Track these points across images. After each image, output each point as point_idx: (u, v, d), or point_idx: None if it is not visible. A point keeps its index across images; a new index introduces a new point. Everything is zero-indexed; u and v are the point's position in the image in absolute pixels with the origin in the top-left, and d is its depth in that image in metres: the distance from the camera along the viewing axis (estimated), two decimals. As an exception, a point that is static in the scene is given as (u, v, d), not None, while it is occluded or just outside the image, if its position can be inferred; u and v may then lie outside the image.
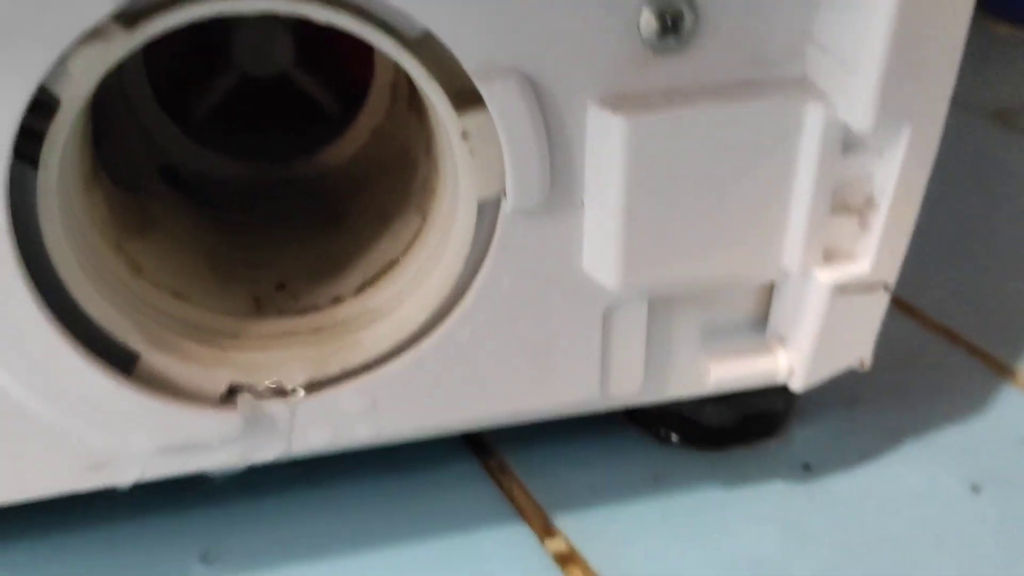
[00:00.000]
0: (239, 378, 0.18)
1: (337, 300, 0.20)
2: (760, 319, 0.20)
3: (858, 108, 0.16)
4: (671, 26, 0.16)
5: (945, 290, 0.29)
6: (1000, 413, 0.25)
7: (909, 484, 0.23)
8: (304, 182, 0.24)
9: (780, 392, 0.21)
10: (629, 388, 0.20)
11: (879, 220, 0.18)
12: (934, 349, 0.27)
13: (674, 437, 0.23)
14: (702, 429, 0.23)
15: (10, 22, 0.14)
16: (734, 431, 0.23)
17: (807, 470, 0.23)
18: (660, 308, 0.19)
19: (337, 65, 0.23)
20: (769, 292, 0.20)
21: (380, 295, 0.19)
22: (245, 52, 0.23)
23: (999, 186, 0.34)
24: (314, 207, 0.22)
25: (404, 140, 0.22)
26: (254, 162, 0.24)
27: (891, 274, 0.19)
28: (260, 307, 0.19)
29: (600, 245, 0.18)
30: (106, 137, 0.20)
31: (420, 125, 0.20)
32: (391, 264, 0.19)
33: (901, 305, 0.28)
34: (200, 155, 0.23)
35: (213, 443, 0.18)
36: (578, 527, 0.22)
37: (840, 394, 0.24)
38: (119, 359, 0.17)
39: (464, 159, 0.16)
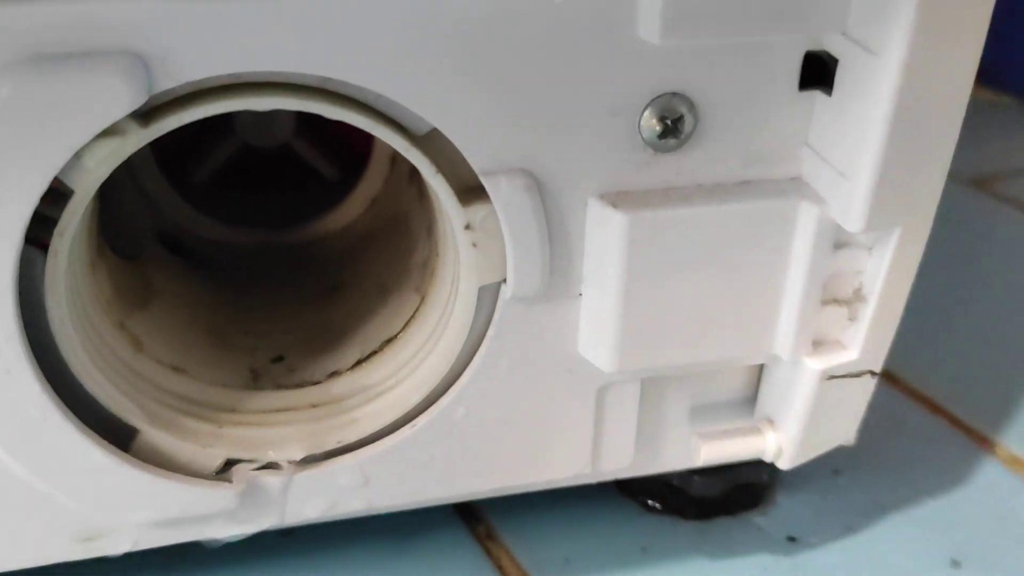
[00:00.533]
0: (235, 454, 0.18)
1: (334, 375, 0.20)
2: (749, 398, 0.21)
3: (851, 212, 0.16)
4: (671, 128, 0.16)
5: (927, 359, 0.29)
6: (980, 487, 0.25)
7: (891, 559, 0.23)
8: (302, 248, 0.24)
9: (767, 464, 0.21)
10: (620, 463, 0.20)
11: (868, 312, 0.18)
12: (916, 419, 0.27)
13: (660, 507, 0.23)
14: (689, 499, 0.23)
15: (30, 119, 0.14)
16: (721, 502, 0.23)
17: (792, 542, 0.24)
18: (652, 387, 0.20)
19: (337, 134, 0.24)
20: (758, 371, 0.20)
21: (377, 371, 0.19)
22: (247, 125, 0.23)
23: (980, 254, 0.35)
24: (312, 275, 0.23)
25: (403, 211, 0.22)
26: (252, 228, 0.24)
27: (878, 362, 0.19)
28: (257, 380, 0.20)
29: (596, 330, 0.18)
30: (108, 204, 0.20)
31: (421, 203, 0.20)
32: (389, 340, 0.20)
33: (883, 373, 0.28)
34: (199, 221, 0.23)
35: (208, 516, 0.18)
36: (566, 598, 0.22)
37: (823, 464, 0.25)
38: (118, 435, 0.17)
39: (467, 249, 0.17)
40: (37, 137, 0.14)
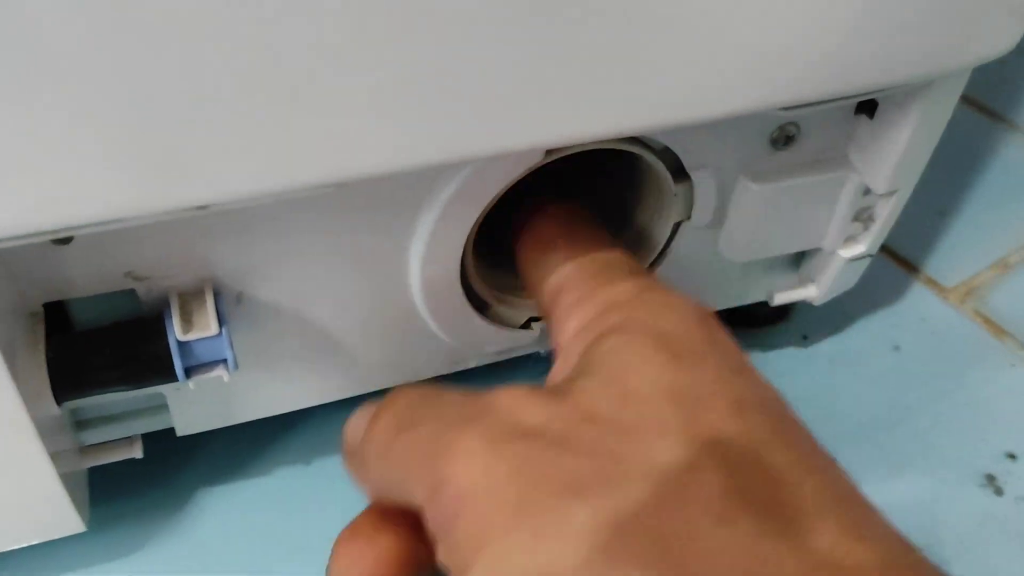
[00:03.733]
0: (533, 315, 0.33)
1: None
2: (793, 265, 0.36)
3: (876, 182, 0.31)
4: (788, 137, 0.31)
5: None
6: (910, 300, 0.42)
7: (858, 346, 0.40)
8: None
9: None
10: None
11: (874, 227, 0.34)
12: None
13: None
14: (752, 316, 0.39)
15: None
16: (768, 316, 0.39)
17: (805, 339, 0.40)
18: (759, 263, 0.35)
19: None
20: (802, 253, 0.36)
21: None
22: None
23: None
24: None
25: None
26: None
27: (875, 249, 0.35)
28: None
29: (736, 236, 0.33)
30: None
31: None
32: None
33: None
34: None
35: (520, 347, 0.33)
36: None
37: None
38: (480, 307, 0.32)
39: (673, 204, 0.31)
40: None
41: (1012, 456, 0.36)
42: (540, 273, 0.28)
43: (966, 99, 0.52)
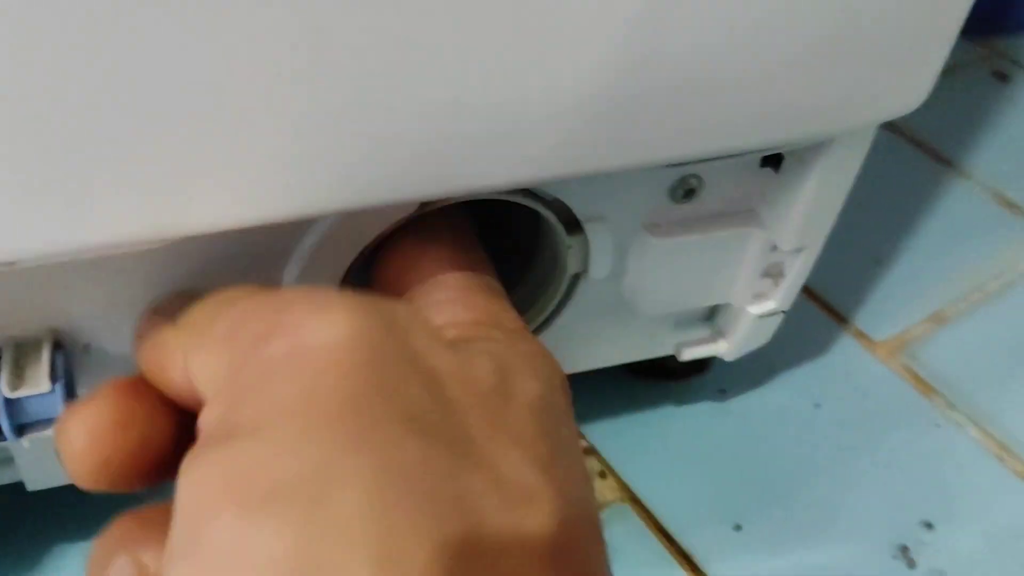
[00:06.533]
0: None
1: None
2: (706, 318, 0.35)
3: (783, 238, 0.30)
4: (688, 191, 0.29)
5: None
6: (836, 353, 0.40)
7: (778, 401, 0.38)
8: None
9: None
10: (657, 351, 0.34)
11: (785, 282, 0.32)
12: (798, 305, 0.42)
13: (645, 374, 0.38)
14: (667, 368, 0.37)
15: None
16: (684, 369, 0.38)
17: (722, 392, 0.38)
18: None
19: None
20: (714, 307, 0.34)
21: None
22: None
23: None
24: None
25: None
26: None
27: (786, 305, 0.33)
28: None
29: (637, 290, 0.31)
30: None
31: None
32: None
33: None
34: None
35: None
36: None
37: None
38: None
39: (569, 256, 0.29)
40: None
41: (928, 525, 0.34)
42: (401, 274, 0.25)
43: (914, 141, 0.51)
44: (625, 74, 0.22)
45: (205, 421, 0.17)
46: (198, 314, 0.20)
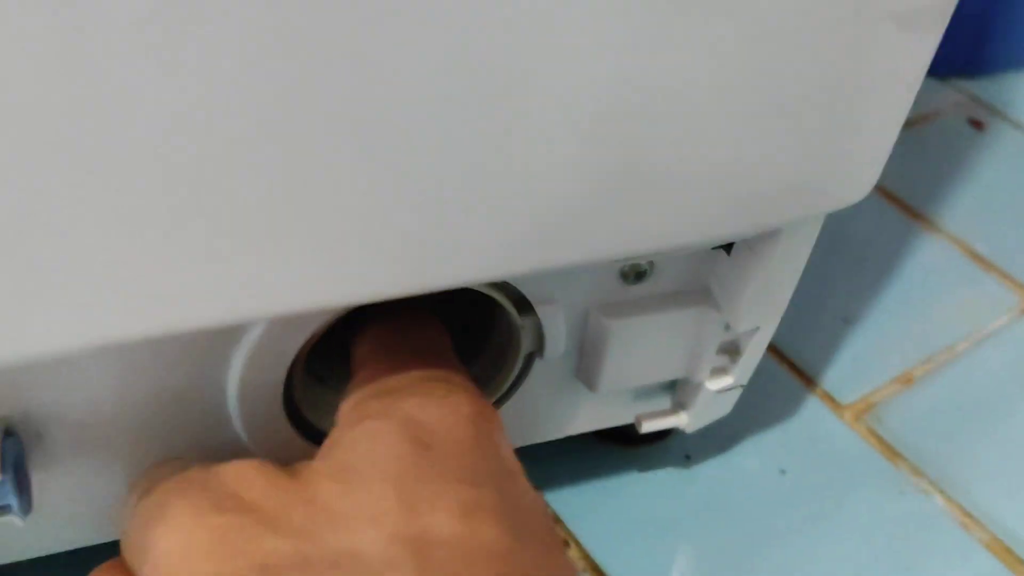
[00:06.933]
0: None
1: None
2: (667, 388, 0.35)
3: (735, 320, 0.30)
4: (639, 273, 0.29)
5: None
6: (802, 417, 0.41)
7: (743, 467, 0.38)
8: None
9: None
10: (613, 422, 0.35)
11: (741, 357, 0.32)
12: (765, 366, 0.42)
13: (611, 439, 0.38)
14: (630, 435, 0.37)
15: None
16: (647, 435, 0.38)
17: (687, 458, 0.38)
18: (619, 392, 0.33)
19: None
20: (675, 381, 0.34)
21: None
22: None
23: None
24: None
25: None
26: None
27: (745, 380, 0.33)
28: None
29: (592, 369, 0.31)
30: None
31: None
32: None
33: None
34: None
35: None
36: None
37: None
38: (313, 435, 0.30)
39: (523, 336, 0.29)
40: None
41: (891, 596, 0.34)
42: (358, 362, 0.26)
43: (886, 194, 0.51)
44: (585, 176, 0.22)
45: None
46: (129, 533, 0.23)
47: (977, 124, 0.59)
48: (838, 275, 0.43)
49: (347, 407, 0.24)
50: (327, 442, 0.24)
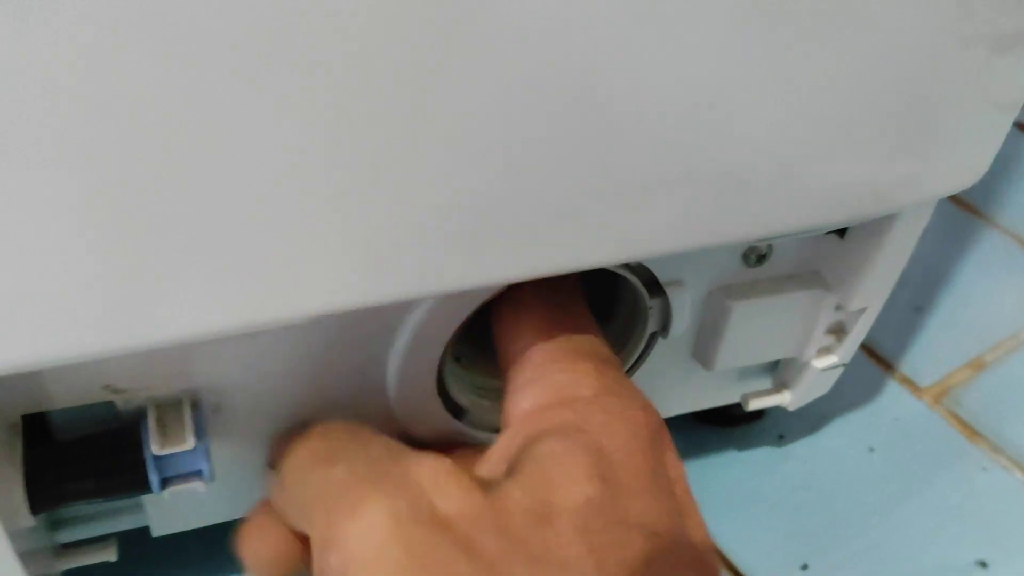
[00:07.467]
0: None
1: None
2: (769, 369, 0.37)
3: (847, 300, 0.32)
4: (760, 256, 0.31)
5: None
6: (885, 399, 0.43)
7: (833, 446, 0.40)
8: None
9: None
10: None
11: (846, 339, 0.34)
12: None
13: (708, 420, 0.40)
14: (728, 416, 0.39)
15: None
16: (744, 416, 0.40)
17: (781, 438, 0.41)
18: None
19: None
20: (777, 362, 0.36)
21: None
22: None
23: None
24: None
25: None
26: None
27: (848, 359, 0.35)
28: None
29: (710, 348, 0.33)
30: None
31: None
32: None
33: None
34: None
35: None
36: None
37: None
38: (457, 411, 0.32)
39: (649, 317, 0.32)
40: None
41: (983, 564, 0.36)
42: (508, 343, 0.27)
43: (945, 192, 0.53)
44: (727, 159, 0.24)
45: None
46: (285, 485, 0.25)
47: (1022, 128, 0.61)
48: (906, 268, 0.45)
49: (523, 409, 0.25)
50: (509, 436, 0.24)
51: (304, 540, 0.25)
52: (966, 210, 0.53)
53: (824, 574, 0.36)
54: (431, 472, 0.21)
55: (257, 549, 0.26)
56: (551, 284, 0.27)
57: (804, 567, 0.36)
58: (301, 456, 0.25)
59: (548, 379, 0.25)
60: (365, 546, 0.20)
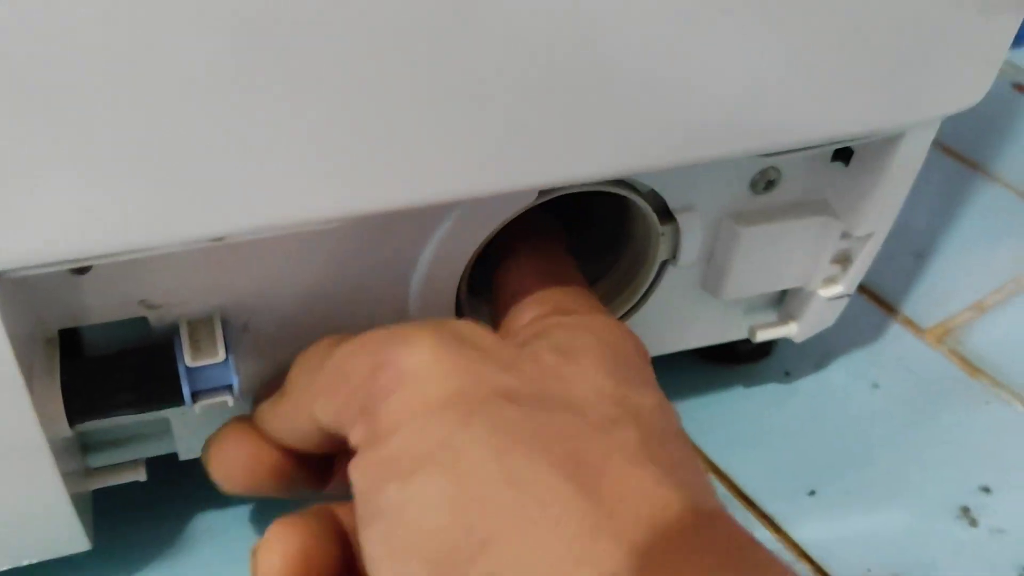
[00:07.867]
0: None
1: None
2: (775, 304, 0.38)
3: (854, 226, 0.33)
4: (768, 182, 0.32)
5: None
6: (888, 339, 0.44)
7: (839, 382, 0.41)
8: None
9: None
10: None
11: (852, 267, 0.35)
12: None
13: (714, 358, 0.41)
14: (736, 353, 0.40)
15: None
16: (751, 353, 0.41)
17: (787, 375, 0.42)
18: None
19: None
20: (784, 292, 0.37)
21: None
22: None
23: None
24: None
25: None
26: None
27: (852, 289, 0.36)
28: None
29: (721, 276, 0.34)
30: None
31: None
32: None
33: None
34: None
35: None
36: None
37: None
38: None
39: (660, 245, 0.33)
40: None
41: (986, 489, 0.37)
42: (506, 291, 0.29)
43: (945, 148, 0.54)
44: (727, 75, 0.25)
45: (355, 439, 0.23)
46: (308, 361, 0.26)
47: (1020, 88, 0.62)
48: (904, 215, 0.46)
49: (526, 320, 0.28)
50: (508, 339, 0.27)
51: (283, 453, 0.27)
52: (967, 165, 0.54)
53: (832, 499, 0.37)
54: (465, 324, 0.24)
55: (228, 455, 0.28)
56: (544, 249, 0.31)
57: (812, 493, 0.37)
58: (321, 344, 0.26)
59: (546, 296, 0.28)
60: (419, 360, 0.22)
